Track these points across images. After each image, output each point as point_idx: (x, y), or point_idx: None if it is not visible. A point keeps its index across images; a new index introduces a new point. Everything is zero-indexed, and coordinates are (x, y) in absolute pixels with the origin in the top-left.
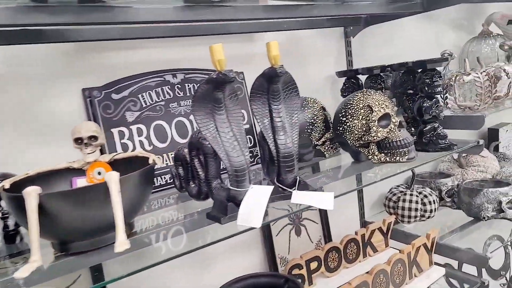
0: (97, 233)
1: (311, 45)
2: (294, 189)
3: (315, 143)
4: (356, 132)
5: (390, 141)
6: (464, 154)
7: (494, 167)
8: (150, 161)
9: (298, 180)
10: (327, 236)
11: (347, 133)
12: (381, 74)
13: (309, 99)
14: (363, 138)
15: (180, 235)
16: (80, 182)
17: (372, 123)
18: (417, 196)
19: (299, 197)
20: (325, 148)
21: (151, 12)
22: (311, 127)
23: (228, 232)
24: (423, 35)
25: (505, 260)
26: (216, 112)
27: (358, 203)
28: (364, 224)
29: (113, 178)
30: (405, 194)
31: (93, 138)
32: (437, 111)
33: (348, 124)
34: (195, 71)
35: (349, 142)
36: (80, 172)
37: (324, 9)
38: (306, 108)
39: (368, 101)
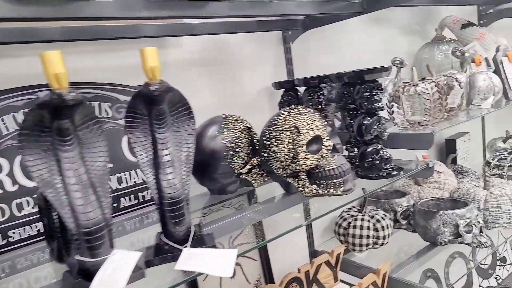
0: None
1: (244, 52)
2: (186, 246)
3: (239, 171)
4: (282, 159)
5: (322, 169)
6: None
7: (452, 183)
8: None
9: (192, 233)
10: (268, 274)
11: (273, 160)
12: (321, 85)
13: (231, 117)
14: (290, 167)
15: None
16: None
17: (299, 149)
18: (369, 221)
19: (188, 259)
20: (252, 176)
21: None
22: (231, 152)
23: None
24: (374, 41)
25: (467, 278)
26: (60, 148)
27: (306, 231)
28: (314, 254)
29: None
30: (356, 219)
31: None
32: (379, 130)
33: (273, 149)
34: (87, 86)
35: (275, 171)
36: None
37: (234, 8)
38: (225, 130)
39: (295, 121)
